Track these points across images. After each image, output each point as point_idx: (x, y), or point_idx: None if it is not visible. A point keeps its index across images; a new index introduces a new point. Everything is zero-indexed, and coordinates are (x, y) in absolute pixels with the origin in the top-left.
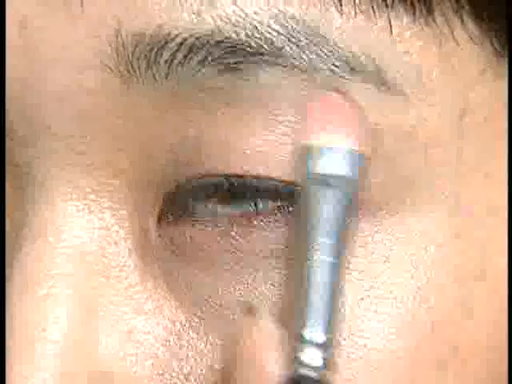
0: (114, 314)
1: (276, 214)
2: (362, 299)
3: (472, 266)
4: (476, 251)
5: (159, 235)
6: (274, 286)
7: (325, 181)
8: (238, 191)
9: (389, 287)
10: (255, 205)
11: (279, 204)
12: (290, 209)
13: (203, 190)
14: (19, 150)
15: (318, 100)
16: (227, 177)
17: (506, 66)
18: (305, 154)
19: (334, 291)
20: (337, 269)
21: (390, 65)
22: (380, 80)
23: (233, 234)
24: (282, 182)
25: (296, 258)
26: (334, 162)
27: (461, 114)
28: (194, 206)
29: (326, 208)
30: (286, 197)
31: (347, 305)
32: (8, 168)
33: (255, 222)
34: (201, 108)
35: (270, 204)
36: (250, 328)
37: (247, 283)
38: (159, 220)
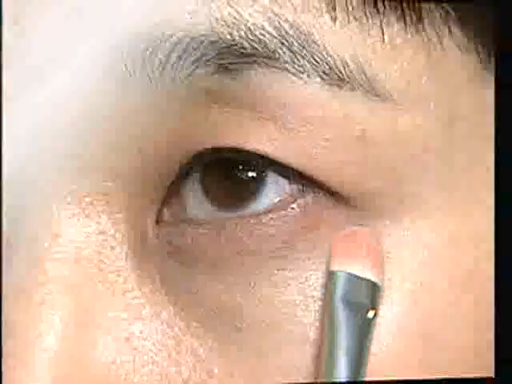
0: (110, 319)
1: (280, 211)
2: None
3: (463, 270)
4: (467, 255)
5: (157, 237)
6: (273, 288)
7: (348, 305)
8: (238, 190)
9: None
10: (258, 202)
11: (280, 199)
12: (292, 205)
13: (202, 189)
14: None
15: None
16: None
17: (493, 74)
18: (333, 277)
19: None
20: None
21: (380, 72)
22: (369, 88)
23: (239, 234)
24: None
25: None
26: (358, 290)
27: (450, 121)
28: (193, 206)
29: (347, 329)
30: (287, 192)
31: None
32: None
33: (262, 220)
34: (195, 108)
35: (273, 200)
36: None
37: (248, 286)
38: (157, 222)
